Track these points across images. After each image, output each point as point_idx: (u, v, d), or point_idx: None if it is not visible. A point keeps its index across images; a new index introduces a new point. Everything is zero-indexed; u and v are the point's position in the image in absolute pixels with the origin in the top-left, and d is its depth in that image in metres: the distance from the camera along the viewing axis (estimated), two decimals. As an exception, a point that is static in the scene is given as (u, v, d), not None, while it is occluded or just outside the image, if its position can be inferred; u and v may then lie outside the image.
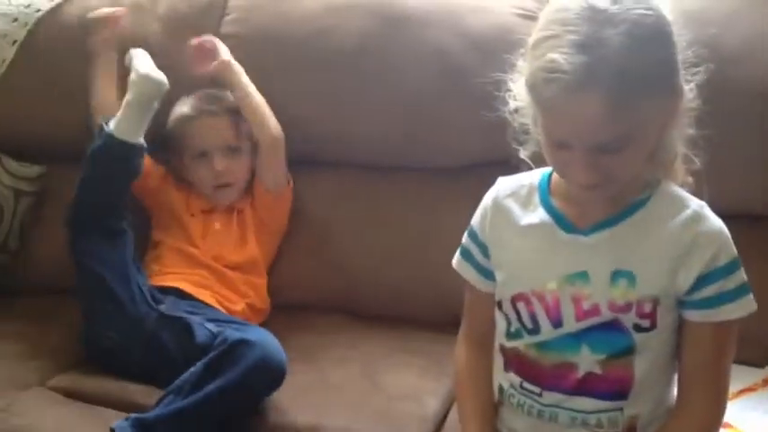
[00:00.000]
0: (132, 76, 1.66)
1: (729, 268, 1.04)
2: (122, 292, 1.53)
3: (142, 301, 1.54)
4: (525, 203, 1.14)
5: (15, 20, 1.85)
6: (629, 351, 1.08)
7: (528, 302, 1.11)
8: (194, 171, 1.75)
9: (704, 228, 1.05)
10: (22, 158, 1.85)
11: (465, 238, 1.21)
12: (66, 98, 1.85)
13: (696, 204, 1.07)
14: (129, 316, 1.52)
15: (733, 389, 1.41)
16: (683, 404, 1.09)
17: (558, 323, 1.10)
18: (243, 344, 1.39)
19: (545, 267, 1.10)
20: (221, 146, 1.72)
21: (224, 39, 1.84)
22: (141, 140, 1.62)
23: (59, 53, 1.86)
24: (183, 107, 1.75)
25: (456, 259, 1.22)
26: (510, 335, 1.14)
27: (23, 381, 1.52)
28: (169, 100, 1.75)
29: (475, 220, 1.19)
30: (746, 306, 1.05)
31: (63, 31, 1.86)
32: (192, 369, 1.40)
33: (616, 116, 0.96)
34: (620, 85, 0.94)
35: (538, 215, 1.12)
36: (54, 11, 1.87)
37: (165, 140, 1.77)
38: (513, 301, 1.13)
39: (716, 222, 1.06)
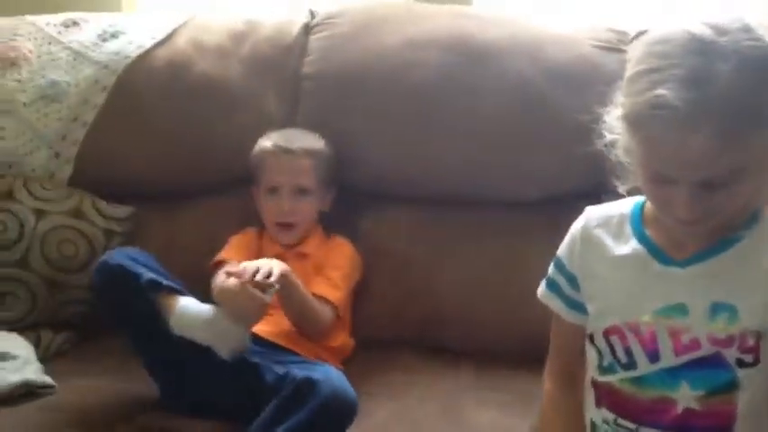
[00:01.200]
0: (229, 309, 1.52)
1: None
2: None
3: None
4: (617, 234, 1.10)
5: (106, 67, 1.93)
6: (731, 387, 1.03)
7: (622, 336, 1.08)
8: (264, 205, 1.77)
9: None
10: (112, 199, 1.91)
11: (551, 269, 1.18)
12: (153, 140, 1.90)
13: None
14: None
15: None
16: None
17: (655, 357, 1.06)
18: (309, 383, 1.39)
19: (640, 300, 1.07)
20: (291, 185, 1.74)
21: (305, 79, 1.88)
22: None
23: (147, 96, 1.92)
24: (267, 141, 1.78)
25: (541, 290, 1.20)
26: (603, 369, 1.11)
27: (110, 420, 1.55)
28: (252, 137, 1.79)
29: (562, 250, 1.17)
30: None
31: (151, 74, 1.92)
32: (263, 414, 1.41)
33: (726, 153, 0.93)
34: (733, 120, 0.92)
35: (631, 246, 1.08)
36: (142, 56, 1.93)
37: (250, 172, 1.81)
38: (606, 334, 1.09)
39: None
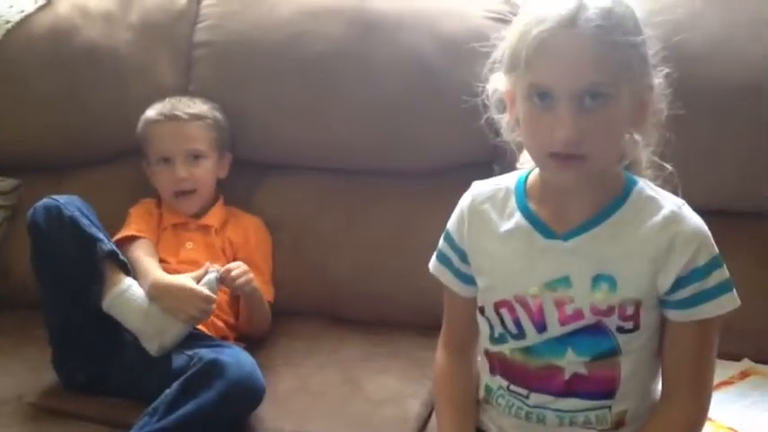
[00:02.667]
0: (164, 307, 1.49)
1: (709, 268, 1.05)
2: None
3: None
4: (502, 208, 1.13)
5: (-16, 31, 1.84)
6: (613, 352, 1.08)
7: (511, 309, 1.11)
8: (157, 177, 1.74)
9: (682, 228, 1.05)
10: (-6, 172, 1.84)
11: (442, 243, 1.20)
12: (37, 110, 1.84)
13: (674, 204, 1.07)
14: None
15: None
16: (667, 401, 1.10)
17: (542, 328, 1.10)
18: (217, 365, 1.38)
19: (526, 273, 1.10)
20: (184, 152, 1.70)
21: (197, 47, 1.84)
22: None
23: (29, 64, 1.84)
24: (150, 111, 1.73)
25: (433, 263, 1.22)
26: (494, 340, 1.15)
27: (1, 398, 1.51)
28: (144, 107, 1.75)
29: (451, 224, 1.19)
30: (727, 304, 1.06)
31: (33, 41, 1.85)
32: (168, 391, 1.38)
33: (602, 56, 0.98)
34: (607, 25, 0.98)
35: (515, 220, 1.11)
36: (23, 21, 1.85)
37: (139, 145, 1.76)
38: (496, 307, 1.13)
39: (694, 221, 1.06)
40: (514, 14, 1.76)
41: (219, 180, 1.78)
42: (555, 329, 1.09)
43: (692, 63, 1.55)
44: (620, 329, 1.07)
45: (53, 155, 1.87)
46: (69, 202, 1.50)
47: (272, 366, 1.55)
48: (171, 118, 1.70)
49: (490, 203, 1.14)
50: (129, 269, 1.52)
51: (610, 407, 1.10)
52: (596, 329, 1.08)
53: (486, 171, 1.59)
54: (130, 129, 1.76)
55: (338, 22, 1.77)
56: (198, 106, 1.73)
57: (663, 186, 1.12)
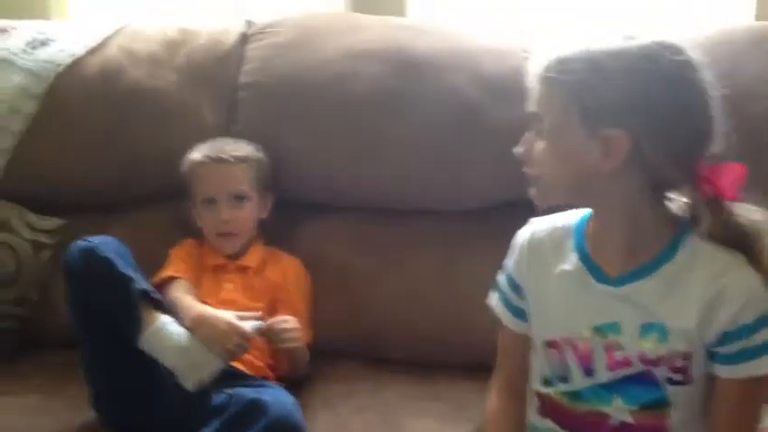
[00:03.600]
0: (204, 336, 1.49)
1: (757, 324, 1.02)
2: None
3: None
4: (560, 247, 1.13)
5: (35, 74, 1.88)
6: (662, 404, 1.07)
7: (560, 349, 1.11)
8: (201, 217, 1.75)
9: (732, 280, 1.03)
10: (41, 211, 1.86)
11: (500, 280, 1.21)
12: (84, 151, 1.86)
13: (727, 257, 1.05)
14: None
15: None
16: None
17: (589, 372, 1.09)
18: (257, 405, 1.38)
19: (577, 315, 1.09)
20: (228, 194, 1.72)
21: (241, 89, 1.86)
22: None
23: (78, 106, 1.87)
24: (196, 153, 1.75)
25: (492, 300, 1.22)
26: (544, 381, 1.14)
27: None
28: (187, 147, 1.77)
29: (509, 260, 1.19)
30: None
31: (82, 83, 1.88)
32: (207, 430, 1.38)
33: (538, 92, 1.06)
34: (555, 68, 1.04)
35: (572, 261, 1.11)
36: (74, 65, 1.89)
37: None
38: (547, 346, 1.12)
39: (746, 275, 1.03)
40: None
41: (261, 220, 1.78)
42: (603, 375, 1.08)
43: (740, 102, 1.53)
44: (670, 381, 1.06)
45: (97, 195, 1.89)
46: (104, 244, 1.51)
47: (310, 408, 1.53)
48: (216, 160, 1.72)
49: (548, 241, 1.15)
50: (164, 307, 1.53)
51: None
52: (645, 379, 1.06)
53: (528, 211, 1.58)
54: (174, 169, 1.78)
55: (381, 64, 1.79)
56: (242, 148, 1.75)
57: None
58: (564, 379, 1.10)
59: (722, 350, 1.03)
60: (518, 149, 1.10)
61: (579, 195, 1.09)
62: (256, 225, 1.77)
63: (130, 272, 1.49)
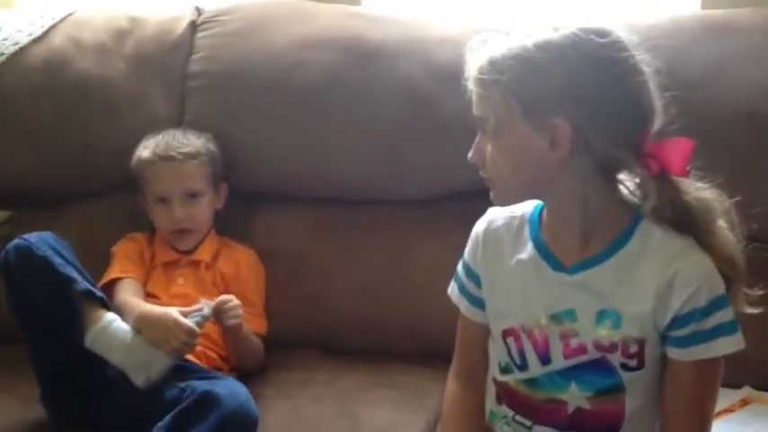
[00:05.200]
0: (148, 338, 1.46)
1: (710, 308, 1.04)
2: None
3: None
4: (517, 237, 1.14)
5: (-22, 65, 1.84)
6: (617, 389, 1.08)
7: (517, 338, 1.11)
8: (154, 215, 1.72)
9: (685, 265, 1.04)
10: (-13, 203, 1.82)
11: (459, 269, 1.21)
12: (30, 143, 1.83)
13: (680, 241, 1.06)
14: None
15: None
16: None
17: (546, 360, 1.10)
18: (210, 397, 1.37)
19: (533, 303, 1.10)
20: (181, 192, 1.69)
21: (191, 78, 1.84)
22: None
23: (23, 96, 1.84)
24: (144, 151, 1.71)
25: (451, 289, 1.23)
26: (501, 369, 1.14)
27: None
28: (138, 139, 1.74)
29: (467, 251, 1.20)
30: (727, 346, 1.05)
31: (27, 73, 1.84)
32: (160, 423, 1.37)
33: (479, 95, 1.06)
34: (486, 68, 1.05)
35: (527, 250, 1.12)
36: (17, 54, 1.85)
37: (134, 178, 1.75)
38: (504, 335, 1.13)
39: (698, 260, 1.05)
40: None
41: (215, 211, 1.77)
42: (559, 363, 1.09)
43: (687, 91, 1.55)
44: (625, 367, 1.07)
45: (46, 187, 1.86)
46: (41, 242, 1.47)
47: (265, 398, 1.53)
48: (166, 159, 1.69)
49: (505, 230, 1.15)
50: (108, 305, 1.51)
51: None
52: (600, 365, 1.07)
53: (482, 200, 1.59)
54: (124, 160, 1.75)
55: (333, 53, 1.78)
56: (192, 143, 1.72)
57: None
58: (521, 367, 1.11)
59: (675, 333, 1.05)
60: (470, 156, 1.11)
61: (534, 190, 1.10)
62: (212, 217, 1.75)
63: (70, 270, 1.46)
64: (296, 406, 1.53)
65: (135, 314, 1.50)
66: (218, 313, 1.55)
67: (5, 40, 1.86)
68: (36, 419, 1.52)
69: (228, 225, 1.79)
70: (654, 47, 1.43)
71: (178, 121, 1.82)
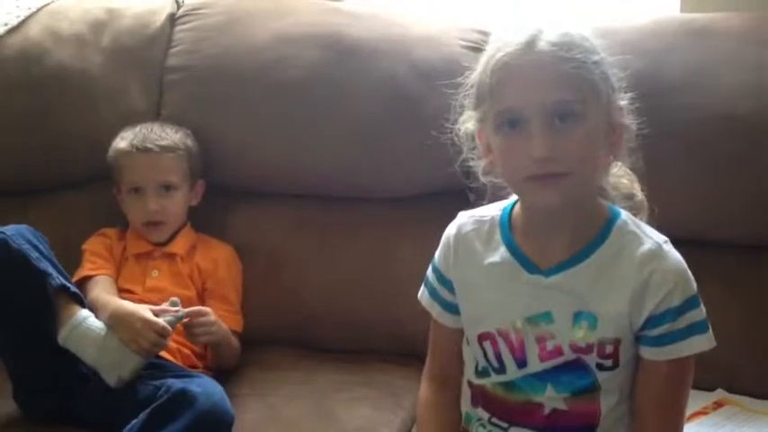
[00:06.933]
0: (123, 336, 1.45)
1: (683, 308, 1.04)
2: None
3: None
4: (488, 240, 1.13)
5: (-49, 53, 1.81)
6: (592, 389, 1.08)
7: (494, 342, 1.11)
8: (127, 206, 1.71)
9: (659, 266, 1.05)
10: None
11: (429, 273, 1.20)
12: (6, 132, 1.81)
13: (654, 241, 1.07)
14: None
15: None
16: None
17: (522, 363, 1.10)
18: (185, 395, 1.36)
19: (509, 307, 1.10)
20: (155, 184, 1.68)
21: (169, 71, 1.82)
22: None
23: (-1, 86, 1.82)
24: (122, 142, 1.70)
25: (421, 294, 1.21)
26: (478, 373, 1.14)
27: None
28: (115, 132, 1.73)
29: (438, 256, 1.18)
30: (699, 345, 1.05)
31: (2, 63, 1.82)
32: (134, 421, 1.36)
33: (566, 73, 0.98)
34: (566, 44, 0.99)
35: (500, 254, 1.11)
36: (-8, 44, 1.83)
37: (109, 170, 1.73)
38: (480, 339, 1.12)
39: (673, 260, 1.06)
40: (488, 43, 1.80)
41: (191, 207, 1.75)
42: (535, 365, 1.09)
43: (667, 93, 1.56)
44: (600, 366, 1.07)
45: (20, 178, 1.84)
46: (17, 234, 1.45)
47: (241, 396, 1.52)
48: (142, 150, 1.67)
49: (475, 234, 1.14)
50: (83, 301, 1.49)
51: None
52: (576, 366, 1.08)
53: (461, 199, 1.59)
54: (100, 153, 1.74)
55: (313, 48, 1.77)
56: (170, 137, 1.70)
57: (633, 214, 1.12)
58: (499, 370, 1.11)
59: (649, 333, 1.05)
60: (544, 151, 0.98)
61: (591, 187, 1.07)
62: (186, 212, 1.74)
63: (45, 265, 1.44)
64: (271, 405, 1.52)
65: (107, 312, 1.49)
66: (189, 326, 1.54)
67: (-19, 30, 1.84)
68: (8, 414, 1.50)
69: (206, 220, 1.78)
70: (634, 49, 1.46)
71: (155, 115, 1.80)
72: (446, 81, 1.66)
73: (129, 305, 1.51)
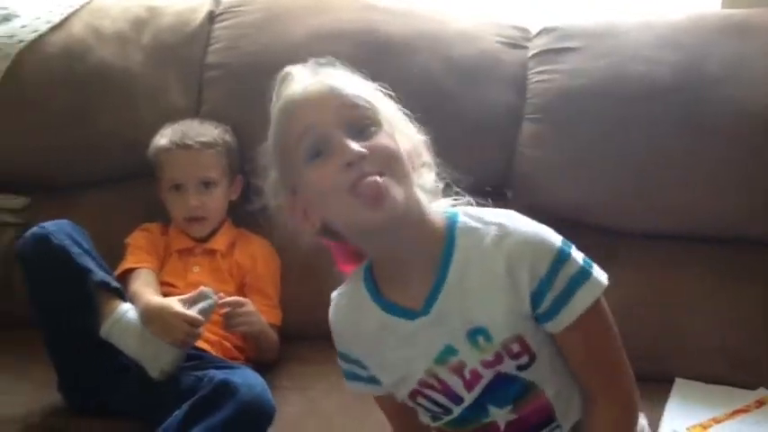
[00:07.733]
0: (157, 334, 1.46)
1: (553, 271, 0.99)
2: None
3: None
4: (360, 308, 1.09)
5: (-2, 51, 1.84)
6: (529, 388, 1.05)
7: (423, 394, 1.09)
8: (169, 202, 1.73)
9: (511, 247, 1.00)
10: (5, 190, 1.83)
11: (339, 362, 1.17)
12: (48, 130, 1.84)
13: (495, 222, 1.02)
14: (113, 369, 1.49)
15: (727, 410, 1.41)
16: (588, 406, 1.06)
17: (458, 399, 1.07)
18: (227, 387, 1.37)
19: (415, 359, 1.07)
20: (196, 180, 1.70)
21: (209, 68, 1.84)
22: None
23: (41, 84, 1.85)
24: (162, 139, 1.73)
25: (347, 383, 1.18)
26: (431, 419, 1.12)
27: (8, 417, 1.49)
28: (155, 128, 1.75)
29: (335, 342, 1.16)
30: (589, 294, 1.00)
31: (46, 61, 1.85)
32: (177, 412, 1.37)
33: (350, 93, 1.05)
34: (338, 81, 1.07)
35: (377, 317, 1.07)
36: (37, 41, 1.86)
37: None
38: (411, 397, 1.10)
39: (520, 231, 1.01)
40: (526, 39, 1.80)
41: (231, 202, 1.77)
42: (467, 396, 1.06)
43: (708, 87, 1.55)
44: (520, 367, 1.04)
45: (63, 174, 1.87)
46: (59, 230, 1.48)
47: (281, 389, 1.53)
48: (182, 146, 1.70)
49: (349, 309, 1.11)
50: (124, 295, 1.51)
51: (560, 425, 1.08)
52: (500, 379, 1.04)
53: (498, 195, 1.59)
54: (141, 149, 1.76)
55: (349, 45, 1.77)
56: (209, 133, 1.73)
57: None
58: (444, 412, 1.09)
59: (540, 310, 1.01)
60: (356, 153, 1.00)
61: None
62: (226, 207, 1.76)
63: (87, 260, 1.47)
64: (311, 398, 1.54)
65: (139, 309, 1.51)
66: (228, 316, 1.55)
67: (24, 27, 1.87)
68: (52, 406, 1.53)
69: (244, 216, 1.79)
70: (673, 43, 1.45)
71: (195, 112, 1.82)
72: (481, 77, 1.68)
73: (158, 300, 1.52)
